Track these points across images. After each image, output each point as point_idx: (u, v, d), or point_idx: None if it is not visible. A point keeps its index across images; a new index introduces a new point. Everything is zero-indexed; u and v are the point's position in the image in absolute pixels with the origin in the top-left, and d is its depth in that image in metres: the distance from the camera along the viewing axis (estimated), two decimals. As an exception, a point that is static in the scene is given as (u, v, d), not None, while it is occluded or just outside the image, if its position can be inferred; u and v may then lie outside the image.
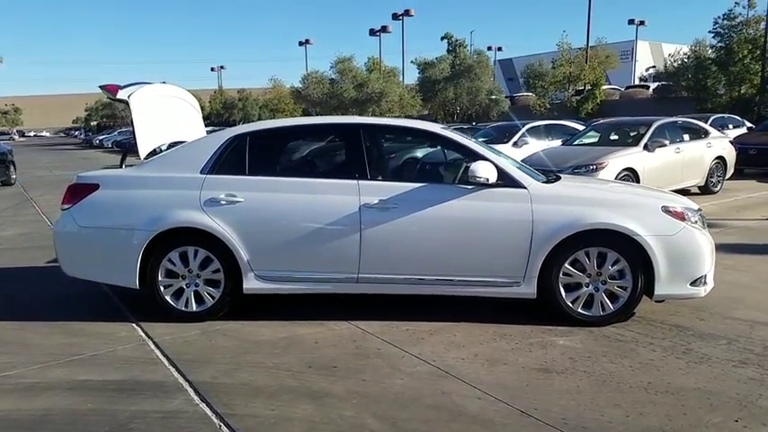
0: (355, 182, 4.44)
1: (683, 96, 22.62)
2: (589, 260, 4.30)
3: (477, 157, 4.45)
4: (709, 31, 20.60)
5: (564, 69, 25.23)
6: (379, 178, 4.53)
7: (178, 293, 4.62)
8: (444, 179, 4.67)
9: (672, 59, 23.54)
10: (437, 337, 4.19)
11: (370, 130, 4.67)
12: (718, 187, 11.55)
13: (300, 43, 50.80)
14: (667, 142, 10.39)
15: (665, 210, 4.33)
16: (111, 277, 4.76)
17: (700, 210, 4.59)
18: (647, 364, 3.68)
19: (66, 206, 4.78)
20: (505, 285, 4.39)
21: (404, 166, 5.13)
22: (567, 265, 4.31)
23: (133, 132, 5.00)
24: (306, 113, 45.40)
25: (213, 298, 4.60)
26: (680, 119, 12.47)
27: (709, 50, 21.24)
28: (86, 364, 3.89)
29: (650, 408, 3.12)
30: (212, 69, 67.76)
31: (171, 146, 5.31)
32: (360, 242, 4.38)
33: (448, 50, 31.51)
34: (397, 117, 25.39)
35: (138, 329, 4.50)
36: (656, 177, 9.79)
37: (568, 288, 4.34)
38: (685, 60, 22.69)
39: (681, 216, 4.33)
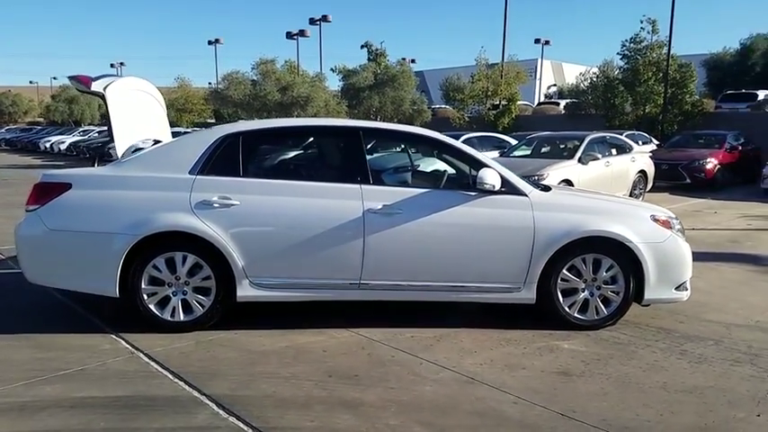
0: (358, 186, 4.34)
1: (592, 114, 24.07)
2: (585, 266, 4.44)
3: (479, 163, 4.50)
4: (617, 53, 22.17)
5: (482, 84, 26.12)
6: (382, 183, 4.47)
7: (163, 302, 4.30)
8: (446, 185, 4.67)
9: (582, 78, 25.02)
10: (445, 344, 4.17)
11: (370, 134, 4.60)
12: (641, 199, 12.37)
13: (210, 42, 49.23)
14: (599, 156, 11.02)
15: (654, 218, 4.57)
16: (85, 285, 4.35)
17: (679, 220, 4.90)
18: (653, 365, 3.85)
19: (32, 207, 4.33)
20: (506, 291, 4.45)
21: (405, 171, 5.07)
22: (564, 270, 4.43)
23: (109, 129, 4.61)
24: (218, 114, 43.94)
25: (203, 307, 4.32)
26: (607, 134, 13.27)
27: (617, 71, 22.76)
28: (77, 379, 3.53)
29: (677, 406, 3.26)
30: (112, 66, 64.10)
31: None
32: (363, 248, 4.29)
33: (369, 59, 31.73)
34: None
35: (121, 341, 4.15)
36: (590, 189, 10.34)
37: (565, 293, 4.47)
38: (594, 80, 24.18)
39: (668, 225, 4.59)
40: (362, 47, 31.97)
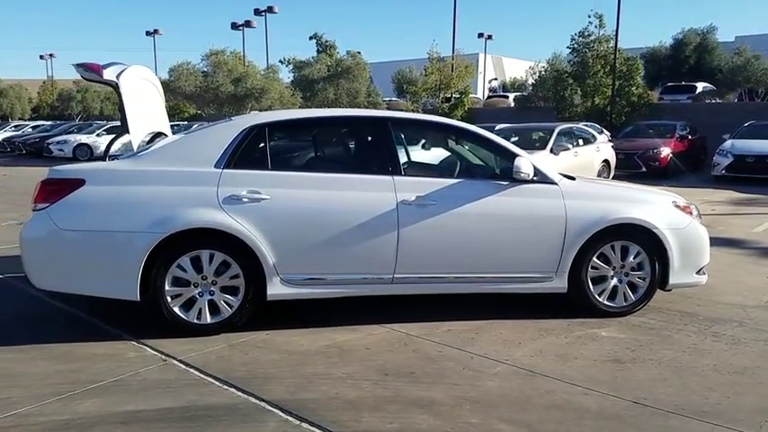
0: (390, 177, 4.21)
1: (541, 106, 24.64)
2: (614, 253, 4.48)
3: (509, 153, 4.46)
4: (567, 47, 22.75)
5: (435, 77, 26.26)
6: (413, 174, 4.35)
7: (188, 304, 4.04)
8: (477, 175, 4.59)
9: (531, 72, 25.60)
10: (486, 336, 4.10)
11: (398, 124, 4.46)
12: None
13: (148, 33, 47.39)
14: (569, 146, 11.25)
15: (675, 205, 4.66)
16: (101, 289, 4.04)
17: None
18: (695, 349, 3.90)
19: (40, 206, 3.97)
20: (538, 281, 4.42)
21: (435, 161, 4.96)
22: (594, 258, 4.45)
23: (123, 120, 4.28)
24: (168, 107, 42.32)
25: (231, 307, 4.08)
26: (574, 125, 13.56)
27: (567, 64, 23.36)
28: (115, 392, 3.25)
29: (738, 388, 3.31)
30: (41, 57, 60.74)
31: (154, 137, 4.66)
32: (397, 241, 4.16)
33: (318, 51, 31.39)
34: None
35: (146, 348, 3.87)
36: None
37: (595, 281, 4.49)
38: (543, 73, 24.76)
39: (688, 210, 4.68)
40: (311, 38, 31.61)
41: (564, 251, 4.36)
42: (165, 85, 28.39)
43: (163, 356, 3.73)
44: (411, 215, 4.16)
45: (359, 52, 28.30)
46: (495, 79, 54.24)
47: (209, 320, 4.06)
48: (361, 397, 3.18)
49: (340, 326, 4.27)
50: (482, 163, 4.75)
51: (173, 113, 40.24)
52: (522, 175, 4.21)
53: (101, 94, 46.55)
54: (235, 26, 38.04)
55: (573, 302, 4.51)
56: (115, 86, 4.23)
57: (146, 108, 4.59)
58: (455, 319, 4.40)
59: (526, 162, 4.26)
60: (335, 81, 24.72)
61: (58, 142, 22.61)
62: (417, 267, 4.25)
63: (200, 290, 4.03)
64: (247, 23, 37.70)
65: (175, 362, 3.65)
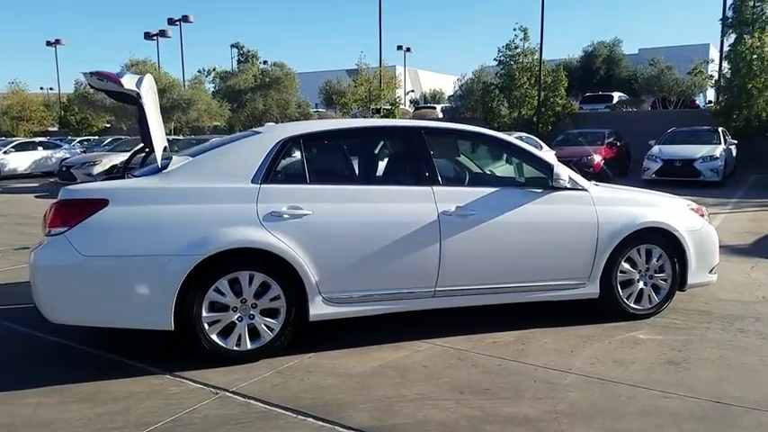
0: (429, 188, 4.10)
1: (470, 117, 25.27)
2: (640, 257, 4.58)
3: (540, 160, 4.48)
4: (494, 59, 23.45)
5: (365, 87, 26.32)
6: (450, 184, 4.26)
7: (226, 330, 3.73)
8: (512, 183, 4.56)
9: (458, 84, 26.25)
10: (534, 347, 4.05)
11: (432, 134, 4.35)
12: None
13: (49, 43, 44.48)
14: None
15: (690, 208, 4.84)
16: (130, 320, 3.65)
17: None
18: (734, 346, 4.03)
19: (57, 230, 3.54)
20: (573, 287, 4.44)
21: (470, 170, 4.87)
22: (623, 262, 4.53)
23: (147, 134, 3.90)
24: (62, 121, 39.69)
25: (272, 331, 3.81)
26: (523, 134, 13.95)
27: (495, 76, 24.10)
28: (180, 432, 2.93)
29: (801, 382, 3.46)
30: None
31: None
32: (439, 253, 4.05)
33: (239, 61, 30.73)
34: (211, 126, 23.77)
35: (185, 381, 3.53)
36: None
37: (623, 285, 4.57)
38: (470, 84, 25.46)
39: (701, 213, 4.88)
40: (232, 47, 30.88)
41: (597, 257, 4.41)
42: (83, 97, 26.81)
43: (212, 389, 3.41)
44: (452, 226, 4.07)
45: (283, 63, 28.04)
46: (413, 91, 55.21)
47: (248, 346, 3.77)
48: (452, 418, 3.03)
49: (380, 344, 4.09)
50: (514, 171, 4.74)
51: (79, 128, 37.99)
52: (561, 182, 4.23)
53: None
54: (148, 36, 36.47)
55: (604, 307, 4.56)
56: (135, 98, 3.84)
57: (159, 120, 4.23)
58: (492, 331, 4.33)
59: (564, 169, 4.29)
60: (264, 92, 24.18)
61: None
62: (458, 279, 4.16)
63: (239, 314, 3.74)
64: (162, 33, 36.25)
65: (228, 394, 3.35)
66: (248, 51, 30.46)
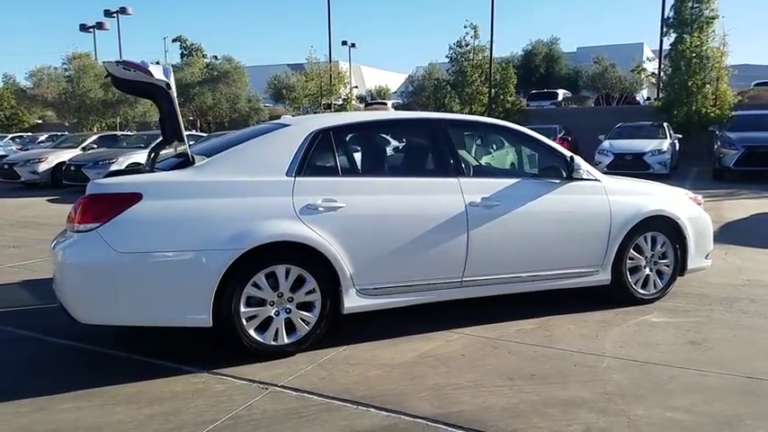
0: (456, 179, 4.15)
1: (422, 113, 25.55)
2: (647, 244, 4.79)
3: (558, 152, 4.60)
4: (446, 56, 23.76)
5: (316, 82, 26.11)
6: (475, 175, 4.32)
7: (263, 325, 3.66)
8: (530, 174, 4.66)
9: (410, 81, 26.45)
10: (559, 333, 4.16)
11: (456, 125, 4.40)
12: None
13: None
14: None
15: (688, 197, 5.09)
16: (166, 317, 3.52)
17: None
18: (744, 326, 4.25)
19: (87, 225, 3.37)
20: (587, 275, 4.59)
21: (490, 161, 4.92)
22: (631, 250, 4.72)
23: (176, 127, 3.73)
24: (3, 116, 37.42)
25: (308, 324, 3.76)
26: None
27: (446, 73, 24.42)
28: (246, 428, 2.86)
29: (824, 358, 3.70)
30: None
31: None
32: (467, 244, 4.11)
33: (182, 55, 29.93)
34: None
35: (227, 377, 3.44)
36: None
37: (631, 271, 4.76)
38: (421, 81, 25.71)
39: (698, 201, 5.14)
40: (174, 41, 30.04)
41: (609, 244, 4.58)
42: (22, 92, 25.30)
43: (259, 385, 3.33)
44: (478, 217, 4.13)
45: (215, 57, 27.38)
46: (356, 87, 55.18)
47: (285, 341, 3.71)
48: (512, 403, 3.09)
49: (408, 335, 4.11)
50: (533, 162, 4.84)
51: (9, 123, 35.87)
52: (581, 173, 4.37)
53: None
54: (84, 28, 34.84)
55: (613, 293, 4.73)
56: (165, 89, 3.67)
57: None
58: (513, 319, 4.41)
59: (582, 161, 4.43)
60: (212, 86, 23.57)
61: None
62: (484, 269, 4.23)
63: (276, 309, 3.67)
64: (99, 25, 34.73)
65: (278, 388, 3.29)
66: (191, 45, 29.66)
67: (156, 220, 3.42)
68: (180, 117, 3.73)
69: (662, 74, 20.66)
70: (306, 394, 3.21)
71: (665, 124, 17.22)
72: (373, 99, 43.32)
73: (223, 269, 3.45)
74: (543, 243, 4.38)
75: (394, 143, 4.54)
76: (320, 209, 3.71)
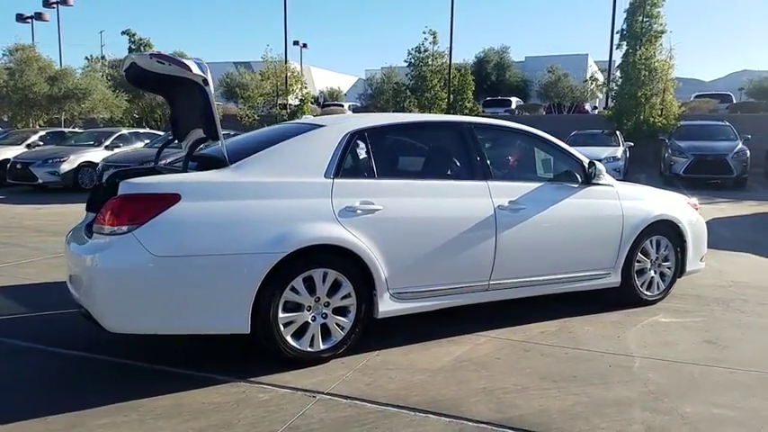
0: (485, 183, 4.17)
1: (379, 116, 25.56)
2: (652, 247, 4.95)
3: (575, 157, 4.70)
4: (405, 61, 23.89)
5: (272, 81, 25.73)
6: (501, 178, 4.36)
7: (300, 331, 3.57)
8: (550, 178, 4.73)
9: (368, 83, 26.44)
10: (581, 334, 4.24)
11: (479, 129, 4.42)
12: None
13: None
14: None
15: (687, 202, 5.31)
16: (204, 324, 3.38)
17: None
18: (749, 324, 4.47)
19: (122, 227, 3.19)
20: (600, 277, 4.71)
21: (513, 165, 4.94)
22: (639, 253, 4.87)
23: (211, 124, 3.58)
24: None
25: (343, 330, 3.69)
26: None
27: (405, 77, 24.54)
28: (307, 439, 2.77)
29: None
30: None
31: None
32: (495, 247, 4.14)
33: (130, 48, 28.90)
34: (106, 116, 21.95)
35: (267, 386, 3.34)
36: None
37: (638, 273, 4.91)
38: (379, 84, 25.75)
39: (695, 206, 5.36)
40: (123, 33, 29.01)
41: (621, 247, 4.71)
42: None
43: (305, 393, 3.25)
44: (506, 220, 4.17)
45: (183, 52, 26.58)
46: (306, 88, 54.71)
47: (321, 347, 3.63)
48: (567, 405, 3.13)
49: (436, 339, 4.10)
50: (552, 166, 4.92)
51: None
52: (602, 177, 4.48)
53: None
54: (22, 18, 33.17)
55: (622, 294, 4.87)
56: (202, 85, 3.51)
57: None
58: (531, 322, 4.47)
59: (601, 166, 4.54)
60: (166, 83, 22.80)
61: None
62: (510, 272, 4.27)
63: (313, 314, 3.58)
64: (38, 16, 33.14)
65: (326, 396, 3.21)
66: (140, 39, 28.66)
67: (196, 222, 3.28)
68: (217, 114, 3.59)
69: (612, 84, 21.41)
70: (358, 401, 3.15)
71: (617, 132, 17.86)
72: (326, 101, 43.11)
73: (264, 273, 3.35)
74: (564, 246, 4.47)
75: (426, 146, 4.53)
76: (358, 211, 3.65)
